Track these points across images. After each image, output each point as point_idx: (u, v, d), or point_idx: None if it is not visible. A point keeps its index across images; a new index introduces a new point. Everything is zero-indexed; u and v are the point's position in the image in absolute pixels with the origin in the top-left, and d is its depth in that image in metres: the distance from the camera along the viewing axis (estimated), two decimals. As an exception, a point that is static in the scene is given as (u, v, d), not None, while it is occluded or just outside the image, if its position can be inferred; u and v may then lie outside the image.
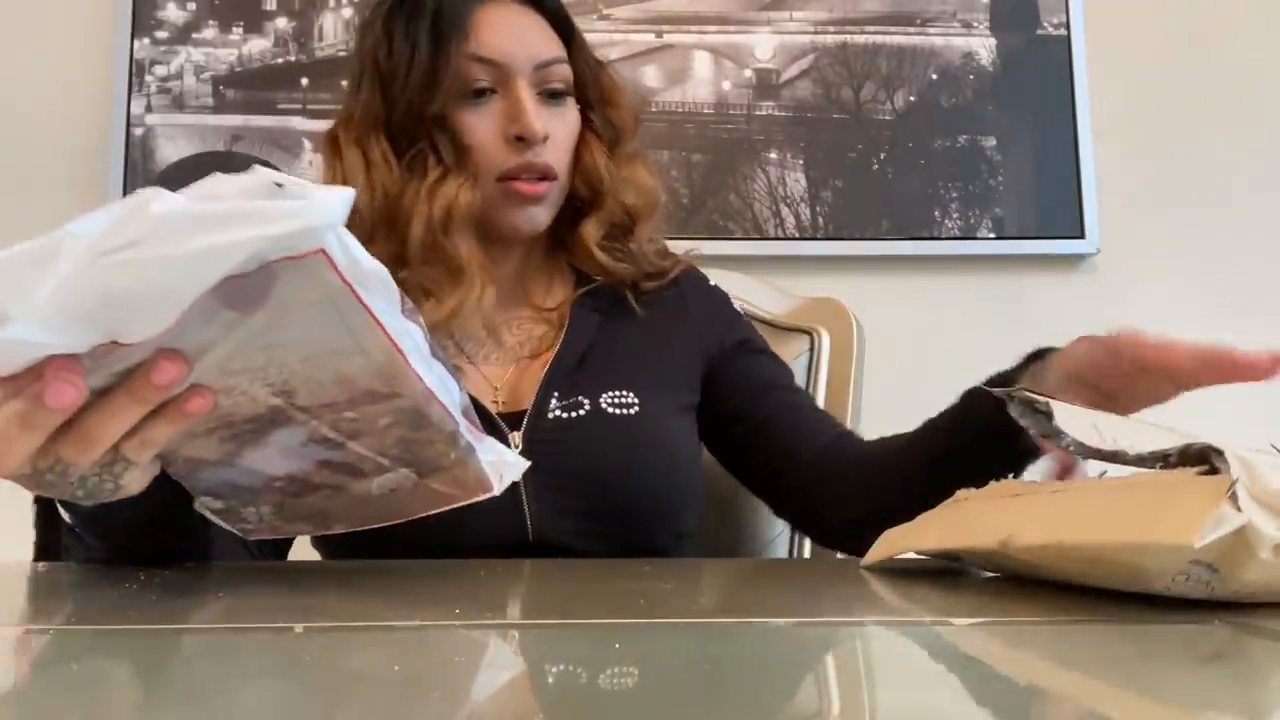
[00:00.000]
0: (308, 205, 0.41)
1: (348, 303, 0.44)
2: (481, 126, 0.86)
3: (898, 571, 0.58)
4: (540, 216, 0.89)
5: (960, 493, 0.56)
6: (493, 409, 0.85)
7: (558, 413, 0.85)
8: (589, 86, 0.93)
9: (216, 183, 0.42)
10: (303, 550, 1.54)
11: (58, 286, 0.41)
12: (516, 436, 0.84)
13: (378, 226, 0.86)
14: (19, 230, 1.53)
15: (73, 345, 0.43)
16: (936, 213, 1.60)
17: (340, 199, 0.42)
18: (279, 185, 0.42)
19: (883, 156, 1.61)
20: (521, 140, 0.85)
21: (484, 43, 0.86)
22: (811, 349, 1.16)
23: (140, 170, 1.52)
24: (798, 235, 1.58)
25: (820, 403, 1.06)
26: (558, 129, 0.88)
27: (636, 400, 0.86)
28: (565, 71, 0.89)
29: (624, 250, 0.94)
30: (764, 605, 0.51)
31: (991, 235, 1.60)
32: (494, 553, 0.76)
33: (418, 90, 0.86)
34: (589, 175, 0.91)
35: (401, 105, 0.86)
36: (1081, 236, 1.60)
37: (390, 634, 0.42)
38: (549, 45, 0.89)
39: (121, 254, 0.41)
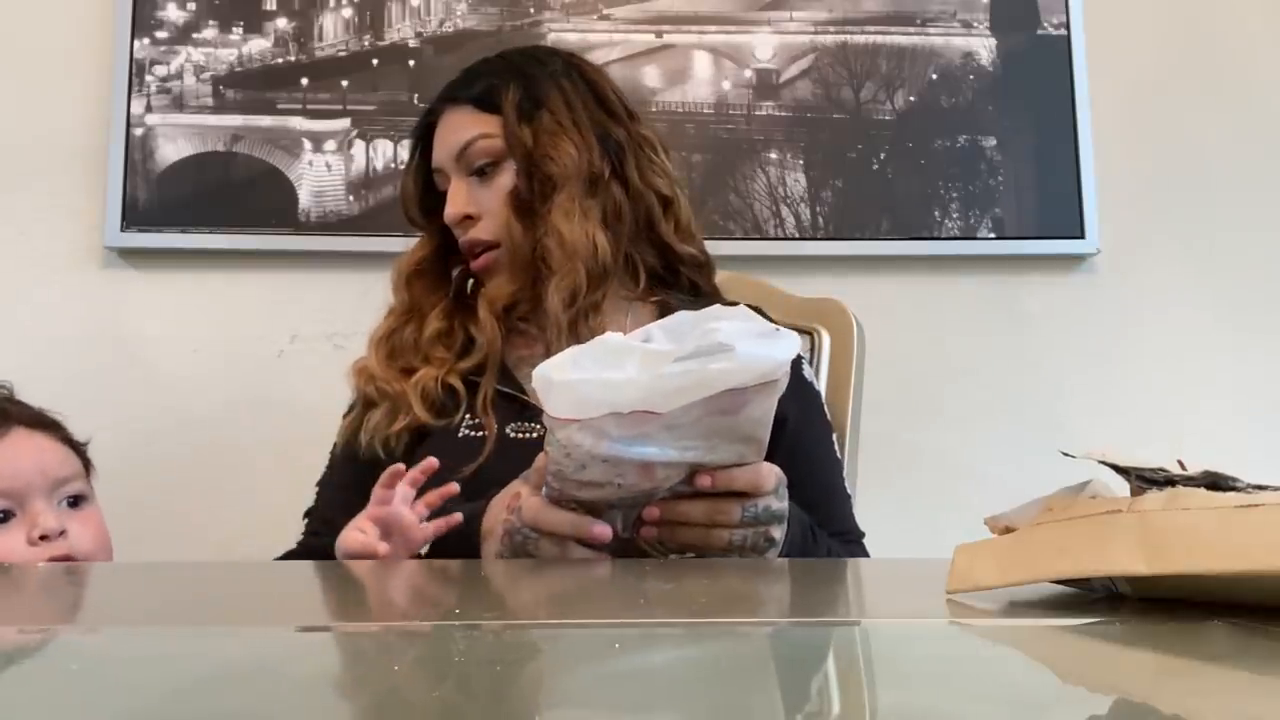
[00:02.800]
0: (791, 343, 0.67)
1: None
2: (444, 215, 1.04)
3: (898, 571, 0.57)
4: (497, 284, 1.02)
5: (1039, 514, 0.51)
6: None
7: None
8: (515, 148, 1.01)
9: (745, 320, 0.68)
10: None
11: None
12: None
13: None
14: (19, 230, 1.54)
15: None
16: (936, 213, 1.60)
17: (797, 342, 0.68)
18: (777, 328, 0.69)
19: (883, 156, 1.61)
20: (453, 226, 1.02)
21: (434, 154, 1.05)
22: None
23: (140, 170, 1.52)
24: (798, 235, 1.58)
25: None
26: (486, 200, 1.02)
27: None
28: (486, 145, 1.02)
29: (530, 307, 1.01)
30: (765, 605, 0.51)
31: (991, 235, 1.60)
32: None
33: (403, 204, 1.12)
34: (513, 241, 1.01)
35: (401, 205, 1.13)
36: (1081, 236, 1.60)
37: (391, 634, 0.42)
38: (463, 131, 1.02)
39: (690, 362, 0.65)
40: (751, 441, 0.70)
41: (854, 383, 1.15)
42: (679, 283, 1.07)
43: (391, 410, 0.99)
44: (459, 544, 0.80)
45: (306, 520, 1.09)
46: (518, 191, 1.00)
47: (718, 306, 0.69)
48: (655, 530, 0.72)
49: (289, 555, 1.03)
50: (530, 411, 0.97)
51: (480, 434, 0.97)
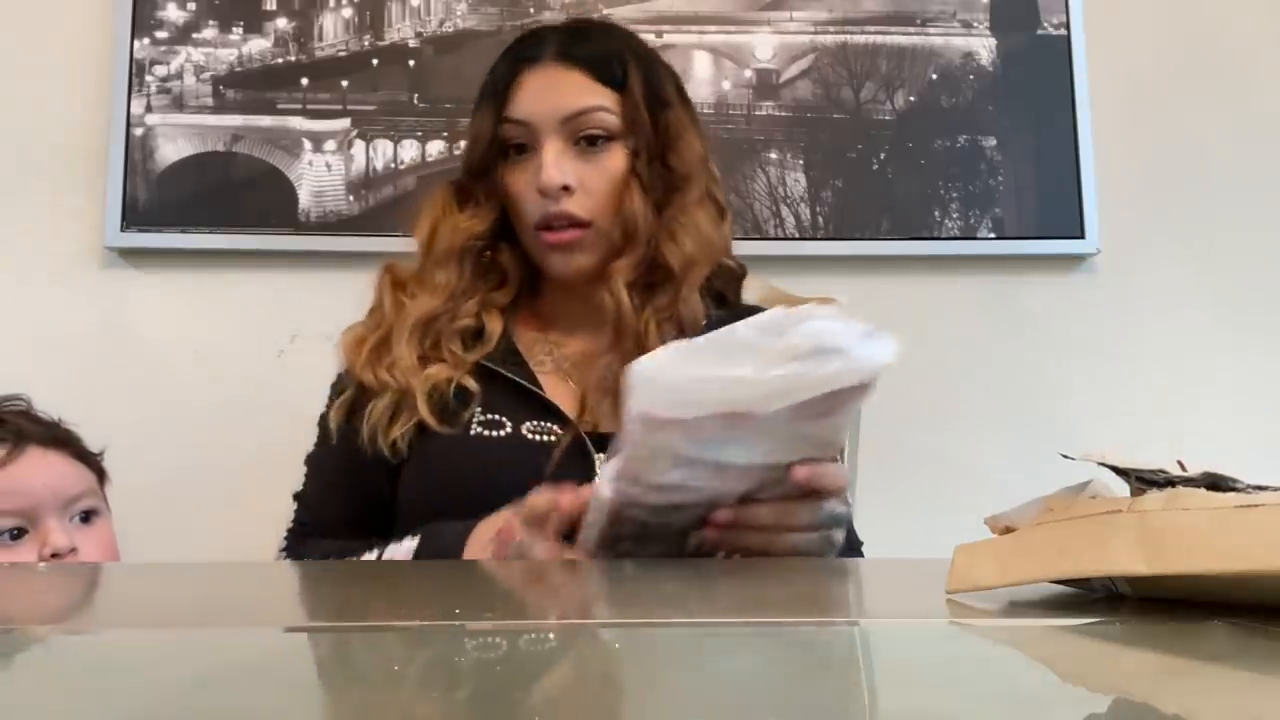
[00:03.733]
0: (889, 343, 0.63)
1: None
2: (519, 181, 0.96)
3: (899, 571, 0.57)
4: (575, 262, 0.96)
5: (1039, 514, 0.51)
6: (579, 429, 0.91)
7: None
8: (639, 132, 0.95)
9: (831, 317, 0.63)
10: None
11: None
12: (603, 458, 0.85)
13: (420, 250, 1.00)
14: (19, 230, 1.53)
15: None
16: (936, 213, 1.60)
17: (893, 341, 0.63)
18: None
19: (883, 156, 1.61)
20: (545, 193, 0.93)
21: (517, 105, 0.96)
22: None
23: (140, 170, 1.52)
24: (798, 235, 1.58)
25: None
26: (590, 176, 0.95)
27: None
28: (601, 119, 0.95)
29: (666, 303, 0.94)
30: (763, 605, 0.51)
31: (991, 235, 1.60)
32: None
33: (469, 151, 1.00)
34: (625, 220, 0.94)
35: (465, 166, 1.01)
36: (1081, 236, 1.60)
37: (390, 634, 0.42)
38: (582, 97, 0.95)
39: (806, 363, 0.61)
40: (830, 445, 0.67)
41: None
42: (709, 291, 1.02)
43: (394, 406, 0.92)
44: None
45: (296, 507, 1.06)
46: (634, 175, 0.95)
47: (811, 305, 0.64)
48: (718, 534, 0.69)
49: (288, 551, 1.02)
50: (547, 408, 0.92)
51: (496, 433, 0.91)
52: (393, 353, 0.94)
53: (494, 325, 0.97)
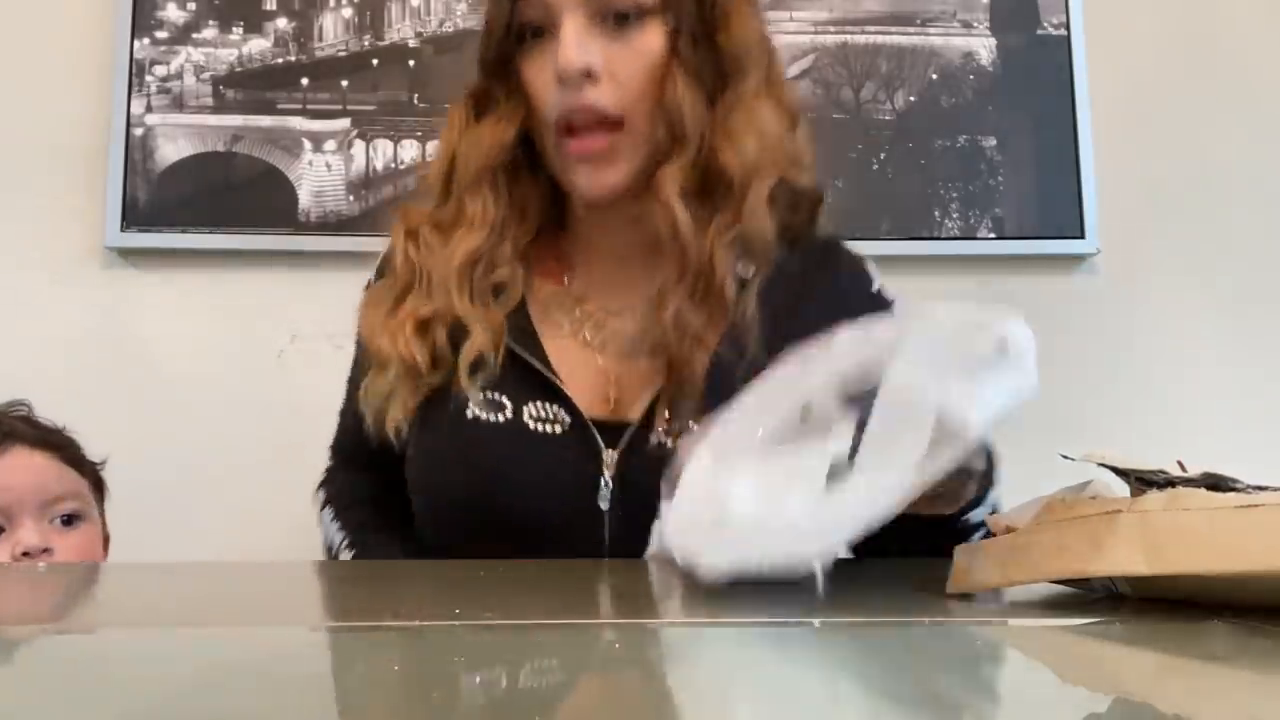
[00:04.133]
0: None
1: None
2: (536, 72, 0.78)
3: (899, 571, 0.57)
4: (607, 177, 0.77)
5: (1039, 513, 0.51)
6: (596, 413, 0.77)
7: (663, 439, 0.75)
8: (680, 5, 0.77)
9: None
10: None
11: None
12: (612, 455, 0.75)
13: (437, 183, 0.83)
14: (19, 230, 1.53)
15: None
16: (936, 213, 1.60)
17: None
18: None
19: (883, 156, 1.61)
20: (563, 80, 0.75)
21: None
22: None
23: (140, 170, 1.52)
24: (798, 235, 1.58)
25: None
26: (621, 59, 0.76)
27: None
28: None
29: (726, 217, 0.77)
30: (762, 605, 0.51)
31: (991, 235, 1.60)
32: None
33: (481, 44, 0.83)
34: (669, 115, 0.76)
35: (479, 61, 0.83)
36: (1081, 236, 1.60)
37: (390, 634, 0.42)
38: None
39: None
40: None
41: None
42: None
43: (401, 382, 0.77)
44: None
45: (330, 459, 0.95)
46: (675, 58, 0.76)
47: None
48: None
49: (327, 502, 0.90)
50: (553, 391, 0.77)
51: (495, 417, 0.76)
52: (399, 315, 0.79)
53: (515, 276, 0.81)
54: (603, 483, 0.75)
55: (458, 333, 0.78)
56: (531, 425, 0.76)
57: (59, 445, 1.08)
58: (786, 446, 0.50)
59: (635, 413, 0.76)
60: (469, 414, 0.77)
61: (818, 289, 0.83)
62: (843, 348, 0.51)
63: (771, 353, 0.65)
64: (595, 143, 0.76)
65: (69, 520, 1.05)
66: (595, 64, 0.75)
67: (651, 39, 0.77)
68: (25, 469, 1.04)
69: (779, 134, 0.79)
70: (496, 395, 0.77)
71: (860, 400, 0.48)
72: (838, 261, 0.90)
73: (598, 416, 0.77)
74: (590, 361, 0.80)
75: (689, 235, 0.75)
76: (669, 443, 0.74)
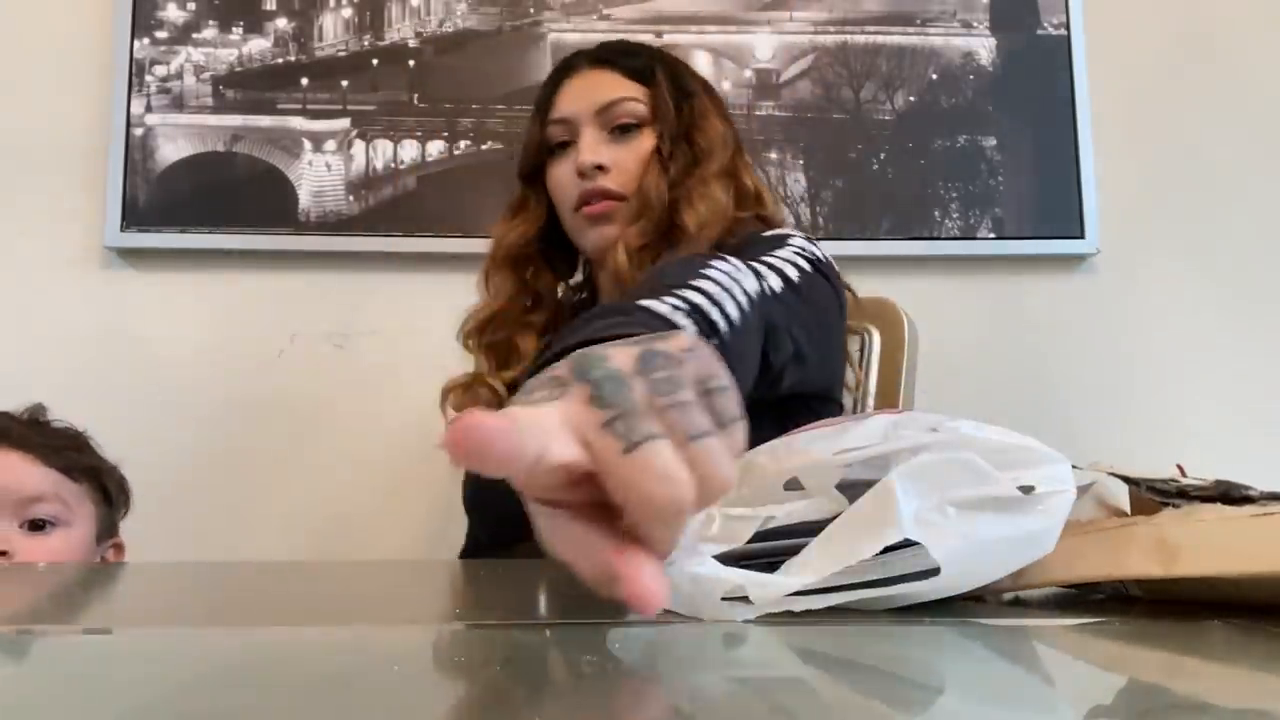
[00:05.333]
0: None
1: None
2: (562, 171, 1.08)
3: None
4: (609, 232, 1.04)
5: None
6: None
7: None
8: (664, 118, 1.06)
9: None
10: (296, 551, 1.55)
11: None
12: None
13: (482, 277, 1.12)
14: (19, 230, 1.53)
15: None
16: (936, 213, 1.60)
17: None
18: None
19: (883, 156, 1.61)
20: (582, 174, 1.05)
21: (558, 108, 1.09)
22: (861, 349, 1.17)
23: (140, 170, 1.52)
24: (798, 235, 1.58)
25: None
26: (622, 157, 1.06)
27: None
28: (632, 108, 1.07)
29: (655, 258, 0.99)
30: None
31: (991, 235, 1.60)
32: None
33: (520, 160, 1.14)
34: (645, 193, 1.03)
35: (518, 174, 1.14)
36: (1081, 236, 1.60)
37: (390, 634, 0.42)
38: (614, 90, 1.07)
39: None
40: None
41: (904, 382, 1.16)
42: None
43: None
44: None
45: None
46: (658, 154, 1.05)
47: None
48: None
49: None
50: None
51: None
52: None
53: (525, 344, 1.07)
54: None
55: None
56: None
57: (52, 449, 1.07)
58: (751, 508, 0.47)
59: None
60: None
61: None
62: (864, 431, 0.48)
63: None
64: (602, 206, 1.05)
65: (43, 525, 1.04)
66: (605, 161, 1.05)
67: (644, 142, 1.06)
68: (3, 471, 1.03)
69: (724, 202, 1.04)
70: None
71: (853, 488, 0.46)
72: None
73: None
74: None
75: (627, 273, 0.99)
76: None
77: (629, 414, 0.36)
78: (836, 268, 0.99)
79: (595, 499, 0.37)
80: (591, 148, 1.06)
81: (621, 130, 1.07)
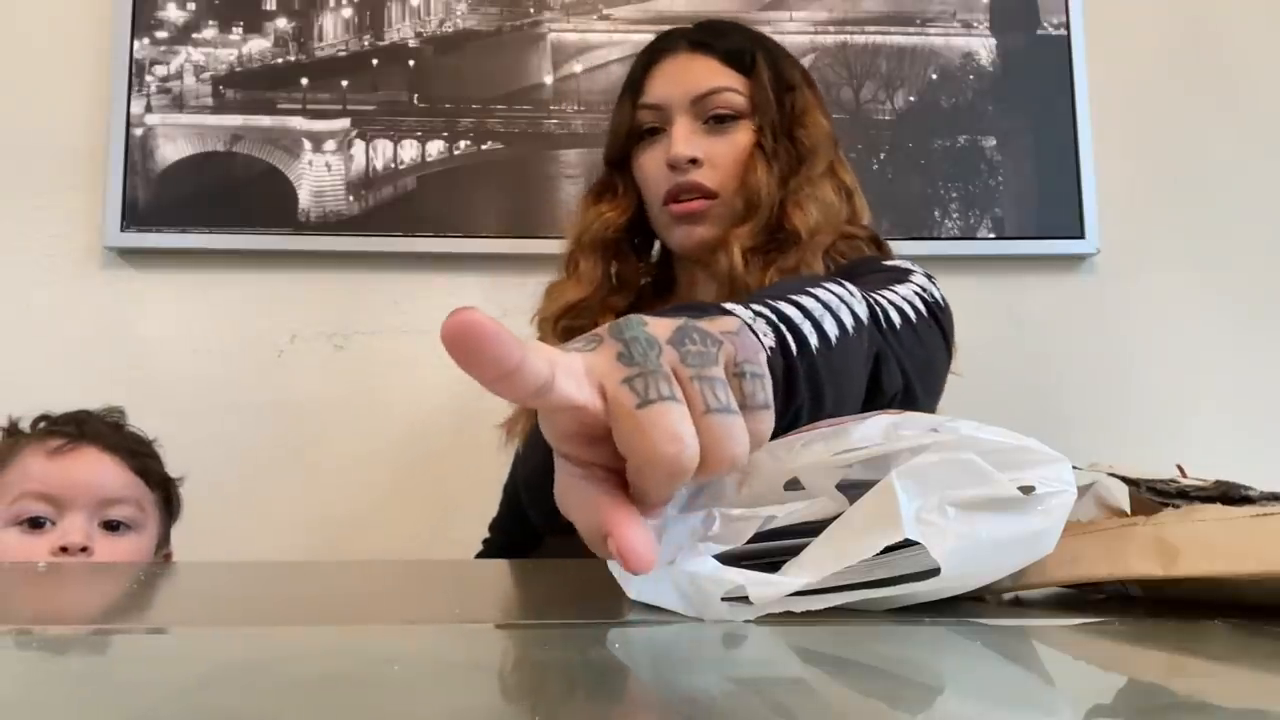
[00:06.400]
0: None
1: None
2: (651, 160, 1.03)
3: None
4: (697, 232, 1.01)
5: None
6: None
7: None
8: (765, 111, 1.01)
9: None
10: (297, 551, 1.55)
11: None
12: None
13: (564, 257, 1.09)
14: (19, 230, 1.53)
15: None
16: (936, 213, 1.60)
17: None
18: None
19: (883, 156, 1.61)
20: (673, 166, 1.00)
21: (651, 92, 1.04)
22: None
23: (140, 170, 1.52)
24: (798, 235, 1.58)
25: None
26: (718, 151, 1.00)
27: None
28: (730, 99, 1.01)
29: (791, 265, 0.95)
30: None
31: (991, 235, 1.60)
32: None
33: (608, 143, 1.09)
34: (749, 191, 0.98)
35: (605, 159, 1.09)
36: (1081, 236, 1.60)
37: (390, 634, 0.42)
38: (711, 79, 1.02)
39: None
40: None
41: None
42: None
43: (523, 414, 1.00)
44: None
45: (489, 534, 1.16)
46: (760, 150, 0.99)
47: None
48: None
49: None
50: None
51: None
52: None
53: (713, 283, 1.01)
54: None
55: None
56: None
57: (133, 454, 1.10)
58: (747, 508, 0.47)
59: None
60: None
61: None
62: (864, 432, 0.48)
63: None
64: (694, 205, 1.00)
65: (117, 526, 1.06)
66: (699, 154, 1.00)
67: (742, 136, 1.01)
68: (90, 469, 1.06)
69: (836, 205, 1.00)
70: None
71: (853, 489, 0.46)
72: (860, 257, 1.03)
73: None
74: None
75: (742, 276, 0.95)
76: None
77: (651, 374, 0.38)
78: (951, 312, 0.95)
79: (612, 464, 0.39)
80: (685, 139, 1.00)
81: (717, 121, 1.01)
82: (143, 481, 1.10)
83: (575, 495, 0.40)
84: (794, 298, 0.69)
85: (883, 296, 0.83)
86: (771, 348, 0.60)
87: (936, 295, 0.93)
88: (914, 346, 0.84)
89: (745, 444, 0.39)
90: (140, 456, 1.10)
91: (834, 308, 0.71)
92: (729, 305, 0.62)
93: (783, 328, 0.63)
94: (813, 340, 0.66)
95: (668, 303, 1.08)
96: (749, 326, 0.55)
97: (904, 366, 0.81)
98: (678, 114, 1.02)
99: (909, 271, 0.94)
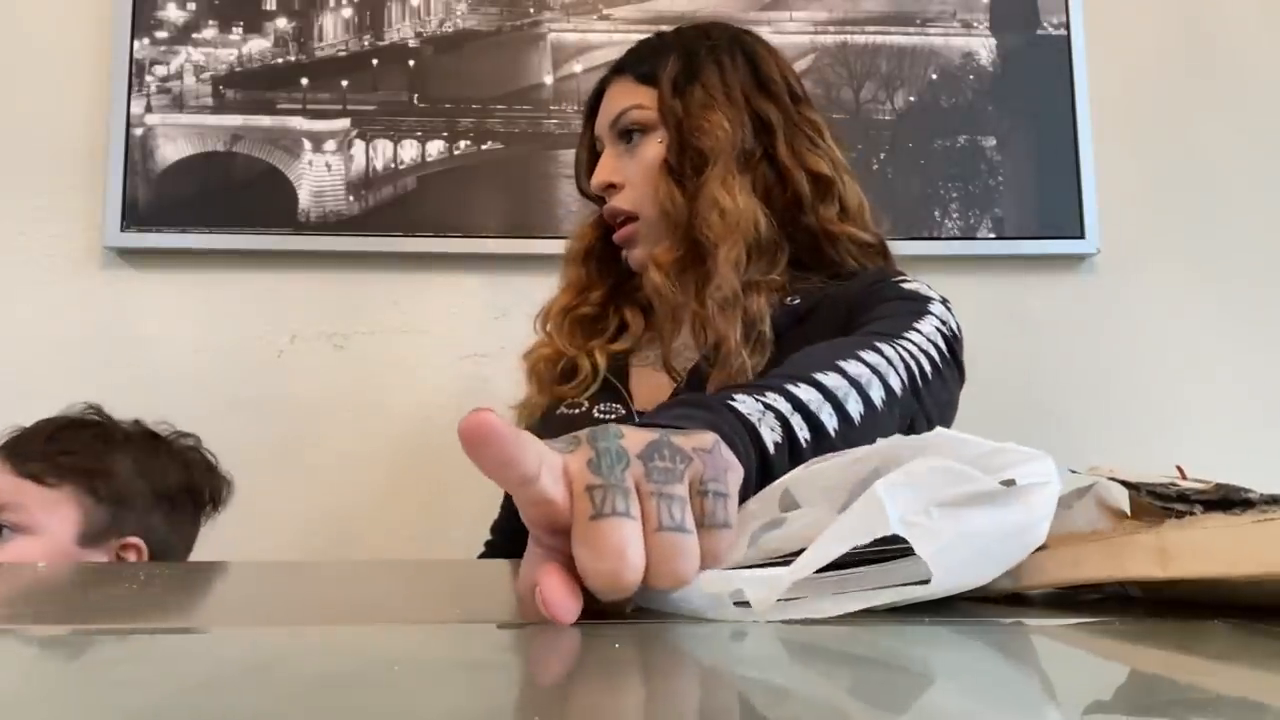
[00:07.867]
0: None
1: None
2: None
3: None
4: (634, 255, 1.04)
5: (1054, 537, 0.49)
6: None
7: None
8: (669, 118, 1.00)
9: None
10: (297, 551, 1.55)
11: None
12: None
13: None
14: (19, 230, 1.54)
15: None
16: (936, 213, 1.60)
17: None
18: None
19: (883, 156, 1.61)
20: (601, 196, 1.04)
21: (595, 124, 1.08)
22: None
23: (140, 170, 1.52)
24: (798, 235, 1.58)
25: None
26: (630, 170, 1.02)
27: None
28: (636, 115, 1.02)
29: (696, 277, 0.96)
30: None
31: (991, 235, 1.60)
32: None
33: (576, 172, 1.13)
34: (661, 207, 0.99)
35: (578, 189, 1.14)
36: (1081, 236, 1.60)
37: (390, 634, 0.42)
38: (622, 100, 1.03)
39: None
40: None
41: None
42: (825, 261, 1.01)
43: (535, 403, 1.06)
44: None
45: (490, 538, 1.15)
46: (665, 162, 0.99)
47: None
48: None
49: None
50: (618, 393, 1.01)
51: (573, 411, 1.00)
52: (560, 342, 1.08)
53: (605, 315, 1.08)
54: None
55: (570, 365, 1.06)
56: (597, 415, 0.99)
57: (26, 456, 1.08)
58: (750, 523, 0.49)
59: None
60: (558, 411, 1.02)
61: (837, 291, 0.98)
62: (853, 456, 0.49)
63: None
64: (624, 231, 1.03)
65: (1, 530, 1.05)
66: (615, 178, 1.02)
67: (649, 150, 1.01)
68: None
69: (741, 208, 0.94)
70: (582, 400, 1.02)
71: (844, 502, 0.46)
72: (866, 272, 1.01)
73: (645, 409, 0.98)
74: (659, 381, 1.00)
75: (669, 297, 0.97)
76: None
77: (611, 487, 0.41)
78: (962, 335, 0.93)
79: (570, 555, 0.42)
80: (604, 164, 1.03)
81: (627, 139, 1.02)
82: (33, 483, 1.07)
83: (528, 564, 0.44)
84: (818, 376, 0.68)
85: (912, 344, 0.82)
86: (777, 442, 0.61)
87: (953, 325, 0.91)
88: (939, 392, 0.84)
89: (694, 561, 0.42)
90: (31, 459, 1.08)
91: (863, 383, 0.70)
92: (737, 398, 0.62)
93: (796, 418, 0.63)
94: (830, 424, 0.66)
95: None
96: (752, 426, 0.59)
97: (930, 417, 0.81)
98: (606, 142, 1.05)
99: (928, 300, 0.92)
